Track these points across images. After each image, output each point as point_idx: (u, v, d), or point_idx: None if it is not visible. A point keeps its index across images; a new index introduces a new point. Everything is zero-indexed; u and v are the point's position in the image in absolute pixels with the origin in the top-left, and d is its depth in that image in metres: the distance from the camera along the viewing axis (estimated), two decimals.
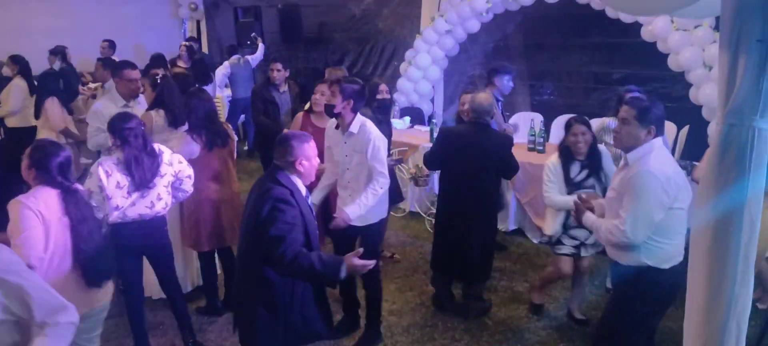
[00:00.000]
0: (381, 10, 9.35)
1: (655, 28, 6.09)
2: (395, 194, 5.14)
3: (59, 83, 6.53)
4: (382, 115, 5.05)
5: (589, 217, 3.31)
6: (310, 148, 3.09)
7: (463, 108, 4.98)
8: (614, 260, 3.22)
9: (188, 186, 4.03)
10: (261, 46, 9.58)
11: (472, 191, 4.31)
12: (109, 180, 3.64)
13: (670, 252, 3.08)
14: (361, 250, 3.03)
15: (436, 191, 5.59)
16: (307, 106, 5.03)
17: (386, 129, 4.92)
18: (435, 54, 8.13)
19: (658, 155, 2.99)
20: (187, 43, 9.51)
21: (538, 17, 7.59)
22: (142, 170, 3.71)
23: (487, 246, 4.50)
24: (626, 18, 6.23)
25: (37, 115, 6.38)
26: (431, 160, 4.55)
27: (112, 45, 9.27)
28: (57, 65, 8.41)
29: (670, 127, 6.51)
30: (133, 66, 4.95)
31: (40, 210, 2.92)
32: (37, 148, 3.09)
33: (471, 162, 4.27)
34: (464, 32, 7.88)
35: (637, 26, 6.30)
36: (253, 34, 9.97)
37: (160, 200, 3.84)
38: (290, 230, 2.89)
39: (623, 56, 7.19)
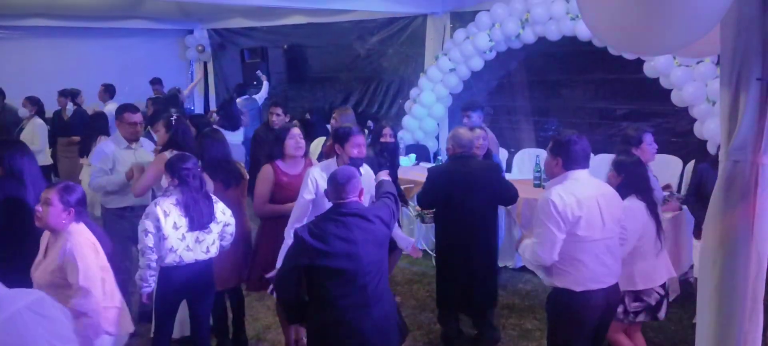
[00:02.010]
0: (386, 49, 9.47)
1: (658, 64, 6.14)
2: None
3: (107, 123, 6.70)
4: (384, 159, 5.06)
5: (523, 241, 3.62)
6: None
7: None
8: None
9: (229, 238, 4.07)
10: (265, 84, 9.66)
11: (466, 221, 4.41)
12: (167, 220, 3.68)
13: (578, 278, 3.35)
14: None
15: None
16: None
17: (391, 173, 4.91)
18: (439, 92, 8.20)
19: (568, 185, 3.32)
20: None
21: (541, 54, 7.67)
22: (199, 212, 3.76)
23: (490, 272, 4.58)
24: (628, 54, 6.29)
25: (84, 153, 6.51)
26: (424, 199, 4.66)
27: (108, 89, 9.25)
28: (69, 108, 8.51)
29: (675, 162, 6.52)
30: (134, 109, 5.01)
31: (94, 243, 3.24)
32: (68, 189, 3.26)
33: (460, 193, 4.40)
34: (468, 70, 7.96)
35: (639, 62, 6.35)
36: (258, 72, 10.08)
37: (213, 244, 3.89)
38: None
39: (627, 92, 7.23)
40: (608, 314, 3.54)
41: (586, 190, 3.36)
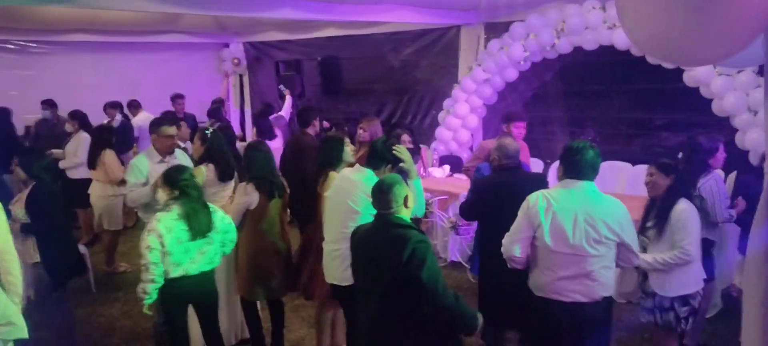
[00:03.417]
0: (419, 61, 9.48)
1: (698, 73, 6.03)
2: None
3: (112, 137, 6.86)
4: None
5: None
6: None
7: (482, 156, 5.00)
8: None
9: (231, 245, 4.13)
10: (288, 98, 9.58)
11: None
12: (169, 236, 3.73)
13: (537, 282, 3.43)
14: None
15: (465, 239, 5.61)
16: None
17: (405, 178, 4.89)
18: (473, 103, 8.18)
19: (555, 191, 3.38)
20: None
21: (577, 64, 7.59)
22: (199, 222, 3.81)
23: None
24: (668, 63, 6.19)
25: (92, 166, 6.67)
26: (468, 211, 4.54)
27: (133, 103, 9.52)
28: (117, 119, 8.75)
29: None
30: (170, 122, 5.10)
31: None
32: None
33: (508, 206, 4.17)
34: (502, 81, 7.93)
35: (679, 72, 6.24)
36: (280, 86, 10.07)
37: (217, 254, 3.95)
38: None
39: (666, 102, 7.11)
40: (576, 336, 3.36)
41: (570, 201, 3.31)
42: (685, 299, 3.84)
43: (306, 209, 5.80)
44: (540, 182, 4.56)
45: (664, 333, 3.94)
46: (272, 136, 8.05)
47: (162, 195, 3.89)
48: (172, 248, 3.74)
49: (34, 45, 10.16)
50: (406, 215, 3.18)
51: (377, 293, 3.13)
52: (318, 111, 6.86)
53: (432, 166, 7.87)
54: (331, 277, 4.03)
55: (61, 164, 7.47)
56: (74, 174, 7.53)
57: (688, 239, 3.71)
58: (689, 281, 3.84)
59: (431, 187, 6.71)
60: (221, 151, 4.77)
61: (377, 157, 3.92)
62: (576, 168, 3.35)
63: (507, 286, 4.16)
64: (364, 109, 10.22)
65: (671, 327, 3.87)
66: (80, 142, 7.47)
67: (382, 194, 3.16)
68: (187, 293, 3.93)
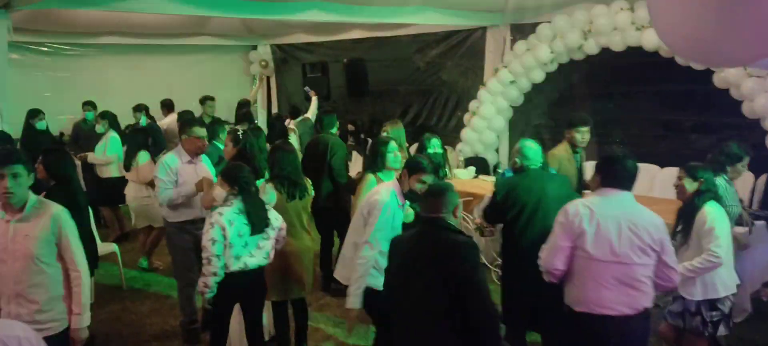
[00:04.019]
0: (445, 62, 9.49)
1: (728, 74, 5.96)
2: None
3: (148, 139, 6.98)
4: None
5: None
6: None
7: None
8: None
9: (282, 242, 4.25)
10: (314, 100, 9.63)
11: (542, 235, 4.00)
12: (231, 229, 3.85)
13: (580, 296, 3.31)
14: None
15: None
16: None
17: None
18: (499, 104, 8.16)
19: (593, 200, 3.32)
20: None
21: (605, 65, 7.54)
22: (259, 217, 3.94)
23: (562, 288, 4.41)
24: (697, 65, 6.12)
25: (127, 168, 6.80)
26: (491, 214, 4.51)
27: (167, 103, 9.69)
28: (143, 121, 8.92)
29: (746, 175, 6.28)
30: (201, 124, 5.18)
31: None
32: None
33: (534, 208, 4.17)
34: (528, 82, 7.90)
35: (708, 73, 6.17)
36: (306, 88, 10.11)
37: (272, 250, 4.07)
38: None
39: (695, 103, 7.03)
40: None
41: (611, 209, 3.25)
42: (712, 304, 3.80)
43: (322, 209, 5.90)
44: (563, 182, 4.55)
45: (693, 337, 3.90)
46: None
47: (220, 192, 4.01)
48: (234, 241, 3.85)
49: (67, 47, 10.36)
50: (454, 222, 3.17)
51: (421, 297, 3.07)
52: (338, 114, 6.94)
53: (457, 167, 7.87)
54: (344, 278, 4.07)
55: (90, 160, 7.65)
56: (104, 173, 7.68)
57: (715, 243, 3.67)
58: (717, 284, 3.79)
59: (456, 189, 6.70)
60: (253, 152, 4.86)
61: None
62: (615, 178, 3.31)
63: (531, 288, 4.12)
64: (389, 110, 10.25)
65: (699, 332, 3.83)
66: (108, 142, 7.61)
67: (433, 197, 3.17)
68: (241, 289, 4.02)
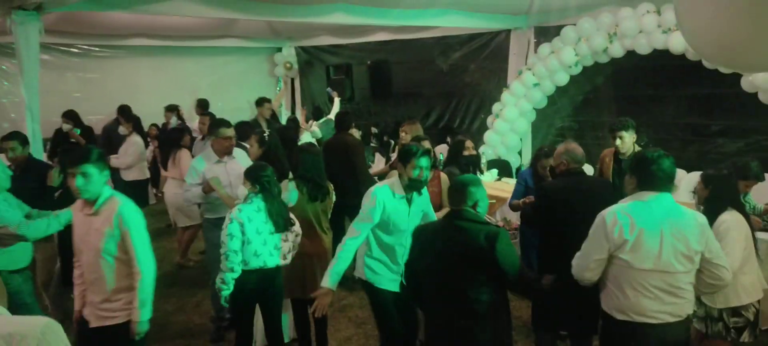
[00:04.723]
0: (468, 65, 9.49)
1: (756, 78, 5.86)
2: None
3: (183, 137, 7.10)
4: (470, 171, 5.07)
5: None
6: None
7: (549, 161, 4.91)
8: None
9: (297, 248, 4.30)
10: (337, 101, 9.68)
11: (581, 239, 3.75)
12: (250, 225, 3.92)
13: (620, 305, 3.17)
14: None
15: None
16: None
17: None
18: (523, 107, 8.13)
19: (632, 206, 3.13)
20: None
21: (630, 68, 7.47)
22: (278, 216, 4.01)
23: (598, 294, 4.32)
24: (725, 69, 6.04)
25: (165, 166, 6.90)
26: (534, 216, 4.41)
27: (202, 103, 9.74)
28: (174, 121, 9.05)
29: None
30: (229, 125, 5.24)
31: None
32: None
33: (577, 211, 3.94)
34: (552, 85, 7.86)
35: (736, 76, 6.08)
36: (328, 89, 10.16)
37: (289, 252, 4.13)
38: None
39: (722, 107, 6.92)
40: None
41: (652, 215, 3.09)
42: (735, 310, 3.72)
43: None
44: (606, 186, 4.47)
45: (716, 342, 3.85)
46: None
47: (243, 190, 4.11)
48: (252, 237, 3.92)
49: (97, 49, 10.55)
50: (472, 214, 3.30)
51: (452, 287, 3.28)
52: (361, 116, 7.00)
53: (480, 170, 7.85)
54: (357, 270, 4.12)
55: (113, 163, 7.75)
56: (128, 176, 7.80)
57: (726, 250, 3.49)
58: (739, 292, 3.70)
59: None
60: (277, 153, 4.92)
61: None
62: (652, 179, 3.14)
63: (569, 291, 3.87)
64: (412, 112, 10.25)
65: (722, 337, 3.77)
66: (131, 145, 7.71)
67: (456, 192, 3.35)
68: (260, 288, 4.07)
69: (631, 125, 5.33)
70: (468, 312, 3.24)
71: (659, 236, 3.05)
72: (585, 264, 3.26)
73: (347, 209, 6.01)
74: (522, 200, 4.97)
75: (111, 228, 3.38)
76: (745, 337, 3.77)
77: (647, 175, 3.15)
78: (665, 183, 3.15)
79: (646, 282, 3.09)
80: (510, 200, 5.29)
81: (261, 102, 9.17)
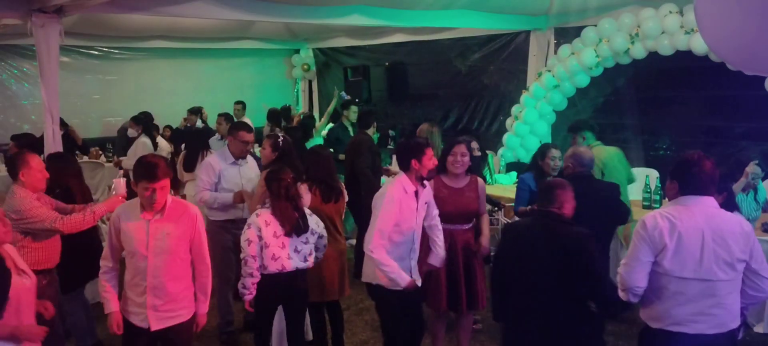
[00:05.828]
0: (487, 66, 9.41)
1: None
2: None
3: (205, 139, 7.10)
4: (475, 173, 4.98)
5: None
6: None
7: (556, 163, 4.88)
8: None
9: (323, 249, 4.24)
10: (333, 102, 9.56)
11: None
12: (267, 229, 3.90)
13: (656, 314, 3.07)
14: None
15: None
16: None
17: None
18: (542, 109, 8.05)
19: (672, 210, 3.02)
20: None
21: (652, 70, 7.37)
22: (297, 221, 3.97)
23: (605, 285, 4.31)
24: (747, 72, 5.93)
25: (190, 168, 6.88)
26: None
27: (242, 106, 9.73)
28: (198, 124, 9.08)
29: None
30: (249, 128, 5.22)
31: None
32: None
33: (584, 213, 4.02)
34: (573, 87, 7.77)
35: (760, 78, 5.96)
36: (341, 93, 10.01)
37: (311, 254, 4.08)
38: None
39: (746, 109, 6.79)
40: None
41: (692, 220, 2.95)
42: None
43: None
44: (613, 189, 4.46)
45: None
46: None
47: (263, 193, 4.10)
48: (270, 241, 3.90)
49: (116, 51, 10.65)
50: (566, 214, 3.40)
51: (544, 289, 3.31)
52: (378, 118, 7.08)
53: (498, 172, 7.79)
54: (366, 276, 4.09)
55: (124, 165, 7.77)
56: None
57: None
58: None
59: (497, 194, 6.64)
60: (291, 156, 4.89)
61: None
62: (695, 183, 3.00)
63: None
64: (430, 114, 10.21)
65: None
66: (139, 147, 7.67)
67: (542, 193, 3.45)
68: (281, 291, 4.04)
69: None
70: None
71: (701, 242, 2.93)
72: (630, 270, 3.06)
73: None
74: (529, 206, 4.86)
75: (188, 230, 3.54)
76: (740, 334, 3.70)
77: (689, 179, 3.03)
78: (708, 186, 3.02)
79: (685, 290, 2.96)
80: (516, 207, 5.20)
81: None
